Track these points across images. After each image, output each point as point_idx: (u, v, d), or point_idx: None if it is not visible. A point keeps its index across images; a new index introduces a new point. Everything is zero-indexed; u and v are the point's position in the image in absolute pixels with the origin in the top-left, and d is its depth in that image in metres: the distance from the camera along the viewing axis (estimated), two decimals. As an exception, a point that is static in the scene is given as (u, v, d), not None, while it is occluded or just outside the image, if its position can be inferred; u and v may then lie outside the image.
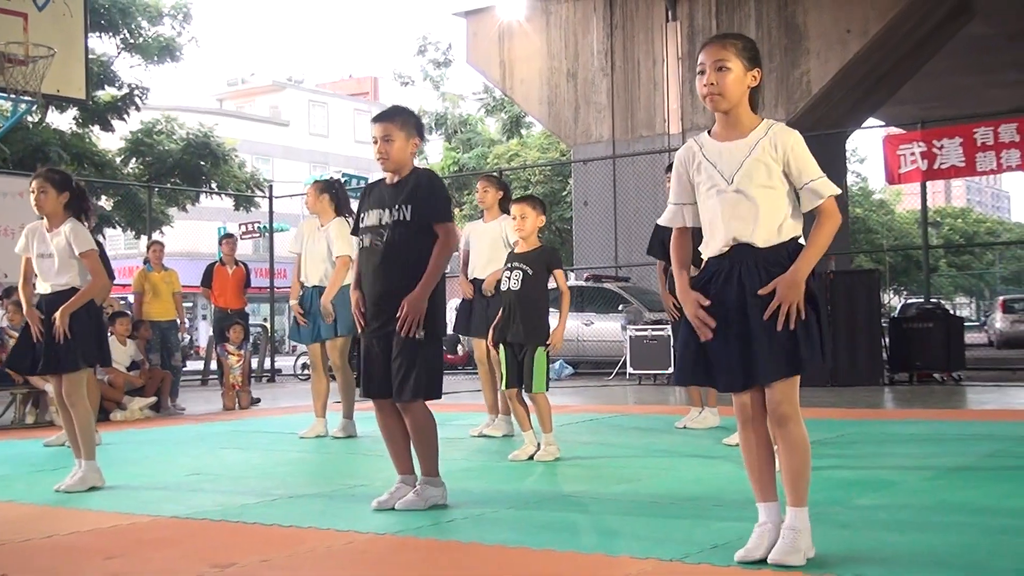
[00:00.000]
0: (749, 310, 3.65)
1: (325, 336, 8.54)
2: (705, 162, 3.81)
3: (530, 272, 6.78)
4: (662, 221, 3.95)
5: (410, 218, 5.00)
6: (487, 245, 8.14)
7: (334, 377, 8.78)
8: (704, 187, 3.81)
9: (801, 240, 3.78)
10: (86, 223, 6.20)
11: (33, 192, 6.10)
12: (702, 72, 3.77)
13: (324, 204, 8.59)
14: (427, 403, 5.06)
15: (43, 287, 6.11)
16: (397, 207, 5.02)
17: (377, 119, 5.14)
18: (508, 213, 7.74)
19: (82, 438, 6.01)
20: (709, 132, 3.90)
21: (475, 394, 8.63)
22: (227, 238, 13.93)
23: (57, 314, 5.90)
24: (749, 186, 3.70)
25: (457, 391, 14.39)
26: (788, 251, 3.72)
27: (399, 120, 5.12)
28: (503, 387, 7.14)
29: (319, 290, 8.51)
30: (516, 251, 6.95)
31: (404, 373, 4.94)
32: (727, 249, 3.74)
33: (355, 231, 5.32)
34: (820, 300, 3.75)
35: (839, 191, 3.75)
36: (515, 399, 6.98)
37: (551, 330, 6.89)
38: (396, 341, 4.97)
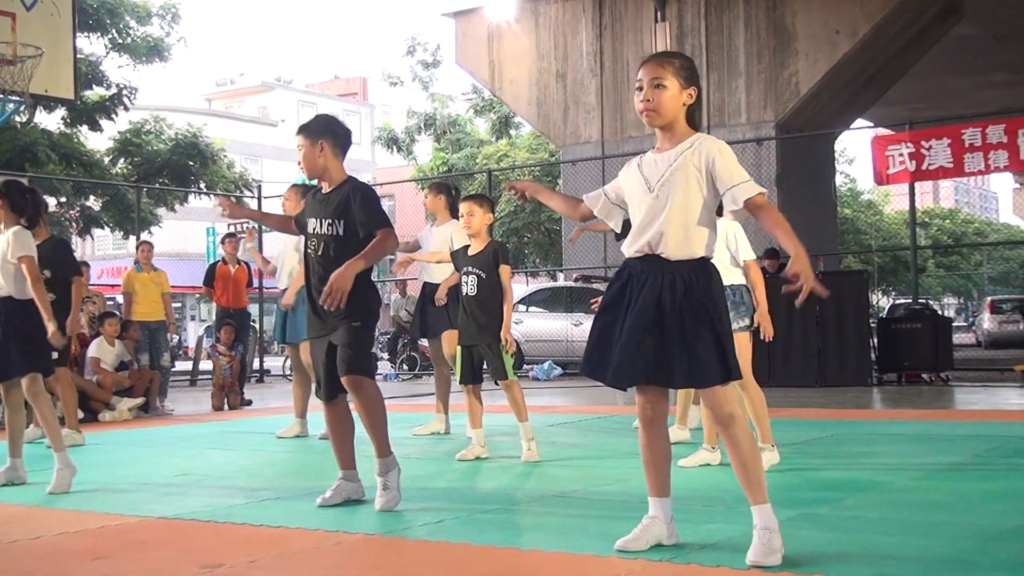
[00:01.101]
0: (672, 316, 3.79)
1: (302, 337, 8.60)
2: (637, 172, 3.99)
3: (483, 276, 6.86)
4: (585, 196, 4.24)
5: (343, 233, 5.10)
6: (435, 246, 8.27)
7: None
8: (630, 194, 4.00)
9: (709, 260, 3.90)
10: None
11: None
12: (640, 88, 3.92)
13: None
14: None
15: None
16: (330, 221, 5.13)
17: (298, 132, 5.27)
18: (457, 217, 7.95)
19: (49, 431, 6.07)
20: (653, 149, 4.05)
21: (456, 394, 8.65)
22: (230, 237, 13.91)
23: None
24: (667, 195, 3.85)
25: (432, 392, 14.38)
26: (698, 267, 3.85)
27: (304, 131, 5.23)
28: (458, 383, 7.19)
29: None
30: (468, 253, 6.98)
31: (345, 355, 5.06)
32: (641, 255, 3.91)
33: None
34: (724, 307, 3.90)
35: (764, 190, 3.82)
36: (472, 395, 7.06)
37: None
38: (338, 335, 5.10)
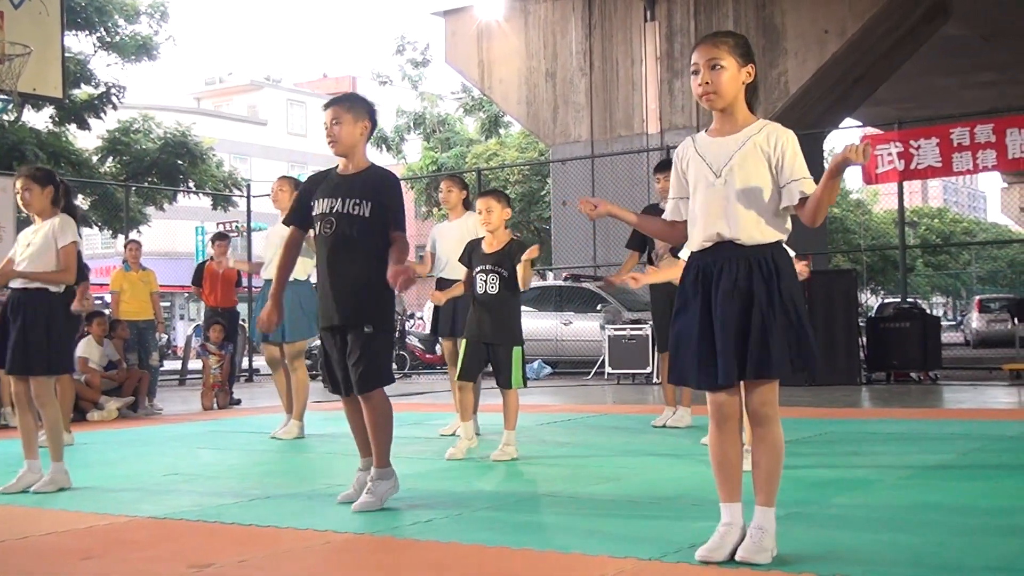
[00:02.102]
0: (750, 305, 3.66)
1: (290, 338, 8.57)
2: (696, 156, 3.84)
3: (506, 275, 6.78)
4: (666, 215, 3.98)
5: (369, 215, 5.03)
6: (454, 242, 8.00)
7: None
8: (693, 181, 3.84)
9: (784, 245, 3.80)
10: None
11: (18, 192, 6.08)
12: (696, 72, 3.77)
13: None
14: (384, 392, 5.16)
15: (15, 282, 6.04)
16: (355, 201, 5.04)
17: (327, 105, 5.18)
18: (471, 210, 7.96)
19: (51, 439, 5.96)
20: (707, 130, 3.92)
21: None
22: (219, 238, 13.90)
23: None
24: (736, 180, 3.72)
25: (435, 391, 14.39)
26: (772, 252, 3.73)
27: (346, 103, 5.16)
28: (456, 378, 7.09)
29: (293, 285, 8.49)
30: (486, 251, 6.86)
31: (359, 367, 5.02)
32: (710, 244, 3.76)
33: (295, 220, 5.33)
34: (800, 300, 3.76)
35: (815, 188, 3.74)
36: (467, 390, 6.97)
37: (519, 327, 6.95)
38: (350, 339, 5.05)
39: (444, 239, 8.33)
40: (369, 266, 5.01)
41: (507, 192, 29.73)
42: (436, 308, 8.42)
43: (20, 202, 6.11)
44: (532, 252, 6.79)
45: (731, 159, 3.74)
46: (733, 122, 3.81)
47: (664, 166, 7.97)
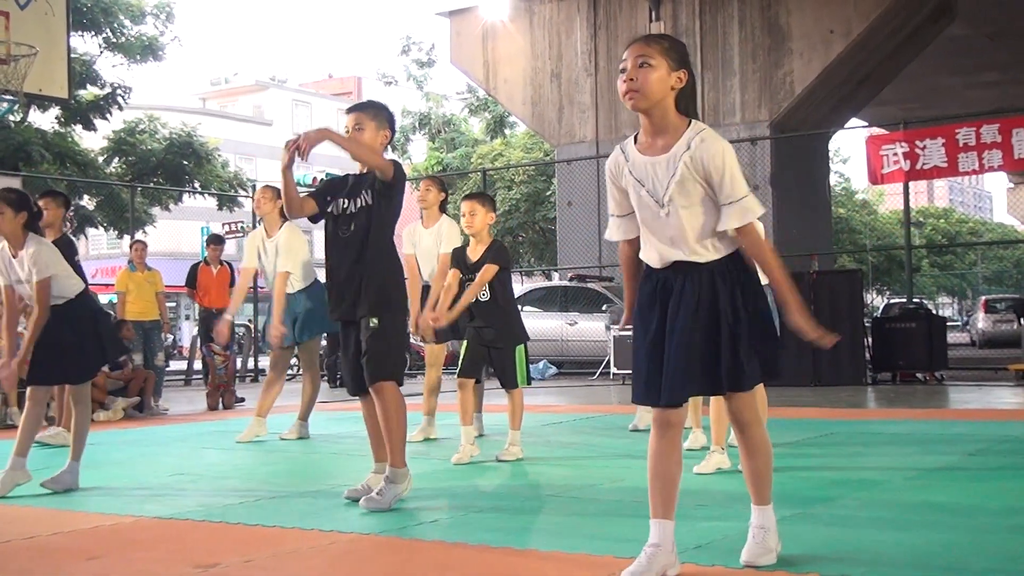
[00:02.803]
0: (713, 319, 3.55)
1: (300, 339, 8.58)
2: (633, 180, 3.65)
3: (491, 280, 6.73)
4: (607, 236, 3.82)
5: (371, 202, 5.12)
6: (432, 248, 7.97)
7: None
8: (636, 204, 3.67)
9: (741, 250, 3.66)
10: (66, 227, 6.16)
11: None
12: (623, 69, 3.57)
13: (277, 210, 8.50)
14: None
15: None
16: (361, 195, 5.14)
17: (350, 109, 5.26)
18: (446, 213, 8.06)
19: (76, 438, 6.03)
20: (636, 142, 3.70)
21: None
22: (215, 243, 13.90)
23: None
24: (679, 209, 3.56)
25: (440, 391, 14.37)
26: (731, 262, 3.62)
27: (371, 111, 5.24)
28: (457, 375, 6.98)
29: (298, 293, 8.50)
30: (472, 259, 6.77)
31: (367, 360, 5.08)
32: (667, 266, 3.63)
33: (313, 196, 5.31)
34: (764, 304, 3.69)
35: (762, 211, 3.60)
36: (467, 389, 6.86)
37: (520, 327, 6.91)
38: (362, 334, 5.12)
39: (421, 245, 8.13)
40: (375, 261, 5.10)
41: (512, 192, 29.52)
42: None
43: None
44: (484, 275, 6.68)
45: (668, 188, 3.56)
46: (662, 132, 3.60)
47: None
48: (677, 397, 3.56)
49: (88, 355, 6.05)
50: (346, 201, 5.17)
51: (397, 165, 5.21)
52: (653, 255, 3.66)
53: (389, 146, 5.35)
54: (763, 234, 3.71)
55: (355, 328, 5.19)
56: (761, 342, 3.60)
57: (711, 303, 3.56)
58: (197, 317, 14.42)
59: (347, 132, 5.19)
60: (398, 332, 5.24)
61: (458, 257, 6.89)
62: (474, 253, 6.80)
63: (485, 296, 6.75)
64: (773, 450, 3.81)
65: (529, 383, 6.89)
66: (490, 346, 6.81)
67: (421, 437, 8.01)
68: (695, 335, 3.54)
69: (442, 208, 8.18)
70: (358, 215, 5.13)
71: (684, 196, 3.56)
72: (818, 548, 3.90)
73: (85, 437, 6.09)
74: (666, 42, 3.60)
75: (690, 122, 3.62)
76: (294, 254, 8.37)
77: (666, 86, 3.55)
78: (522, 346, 6.86)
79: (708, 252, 3.59)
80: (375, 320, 5.07)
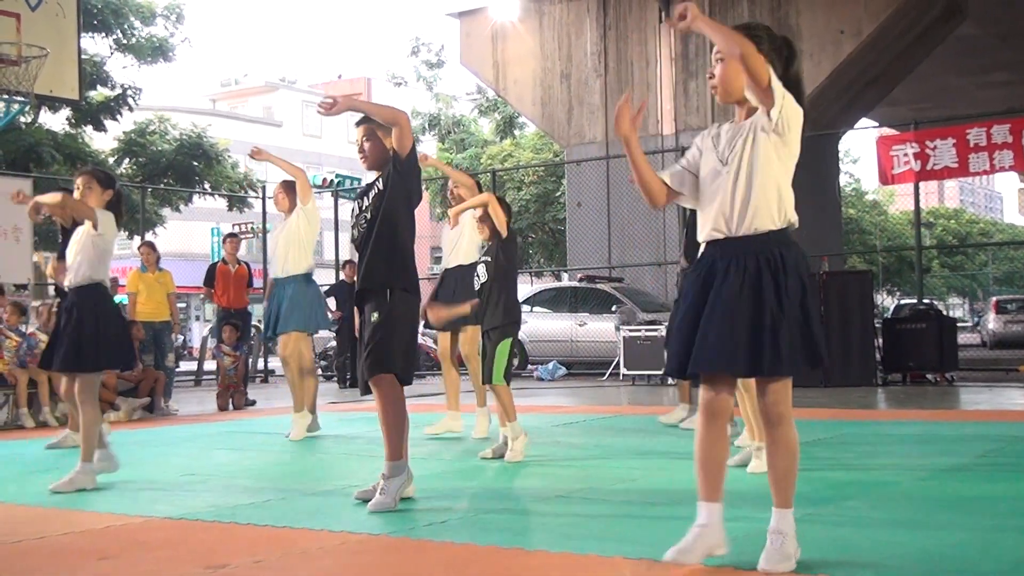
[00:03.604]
0: (752, 299, 3.58)
1: (280, 329, 8.65)
2: (710, 143, 3.79)
3: (491, 263, 6.86)
4: (664, 175, 3.90)
5: (382, 187, 5.21)
6: (453, 241, 8.27)
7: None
8: (706, 167, 3.78)
9: (790, 229, 3.71)
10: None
11: (78, 189, 6.19)
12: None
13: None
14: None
15: (66, 281, 6.21)
16: (371, 202, 5.23)
17: (359, 122, 5.34)
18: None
19: (85, 439, 6.03)
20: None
21: (468, 394, 8.63)
22: (231, 237, 13.90)
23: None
24: (738, 165, 3.66)
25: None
26: (779, 246, 3.65)
27: (381, 125, 5.29)
28: (481, 381, 7.24)
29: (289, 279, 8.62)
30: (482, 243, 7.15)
31: (368, 353, 5.15)
32: (718, 237, 3.69)
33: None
34: (814, 299, 3.72)
35: (800, 112, 3.68)
36: (501, 391, 6.93)
37: (510, 316, 6.90)
38: (365, 328, 5.22)
39: (444, 240, 8.53)
40: (393, 254, 5.17)
41: (522, 193, 29.59)
42: (439, 298, 8.47)
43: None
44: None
45: (734, 145, 3.69)
46: (745, 114, 3.75)
47: None
48: (715, 366, 3.61)
49: (104, 348, 6.08)
50: (363, 200, 5.28)
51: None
52: (707, 222, 3.73)
53: None
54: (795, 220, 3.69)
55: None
56: (798, 332, 3.60)
57: (756, 288, 3.59)
58: (213, 317, 14.42)
59: (357, 144, 5.32)
60: (402, 326, 5.23)
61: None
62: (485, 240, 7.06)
63: (484, 276, 6.88)
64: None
65: (507, 383, 6.84)
66: (487, 332, 6.88)
67: (443, 430, 8.21)
68: (737, 314, 3.58)
69: None
70: (369, 207, 5.23)
71: (746, 149, 3.64)
72: (828, 549, 3.89)
73: (94, 439, 6.10)
74: (742, 32, 3.63)
75: None
76: (294, 231, 8.54)
77: (742, 76, 3.60)
78: (508, 341, 6.83)
79: (755, 218, 3.62)
80: (376, 314, 5.15)
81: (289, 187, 8.79)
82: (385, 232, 5.17)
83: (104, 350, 6.08)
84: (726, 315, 3.58)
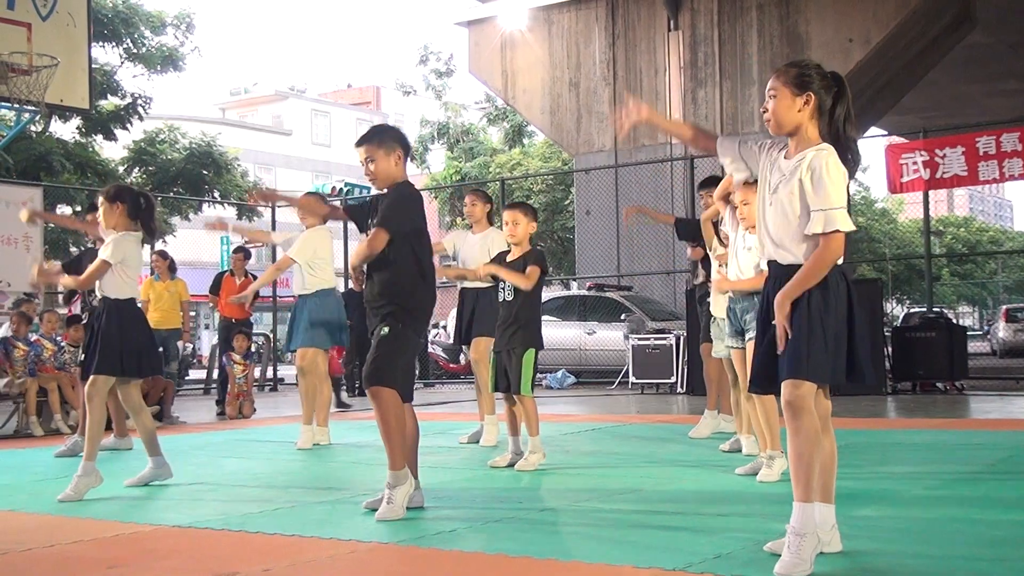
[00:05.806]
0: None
1: (292, 346, 8.77)
2: (768, 165, 4.00)
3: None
4: (731, 138, 4.21)
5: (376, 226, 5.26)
6: (477, 254, 8.15)
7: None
8: (761, 188, 4.02)
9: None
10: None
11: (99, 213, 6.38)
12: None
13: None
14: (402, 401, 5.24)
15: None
16: (384, 194, 5.34)
17: (359, 143, 5.36)
18: (493, 225, 8.28)
19: (89, 438, 6.12)
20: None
21: (474, 403, 8.64)
22: (239, 252, 13.95)
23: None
24: (778, 202, 3.90)
25: (459, 400, 14.40)
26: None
27: (376, 139, 5.33)
28: (490, 389, 7.28)
29: (309, 296, 8.63)
30: (507, 259, 6.95)
31: (369, 368, 5.19)
32: (769, 260, 4.00)
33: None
34: (815, 315, 3.82)
35: (850, 228, 3.83)
36: (506, 401, 7.07)
37: (539, 334, 6.93)
38: (373, 341, 5.29)
39: (467, 248, 8.41)
40: (390, 274, 5.20)
41: (531, 202, 29.65)
42: (459, 317, 8.47)
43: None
44: (532, 276, 6.79)
45: (779, 183, 3.92)
46: (798, 148, 3.92)
47: (709, 183, 7.61)
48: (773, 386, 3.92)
49: (103, 355, 6.15)
50: (371, 215, 5.32)
51: (404, 185, 5.34)
52: (762, 246, 4.05)
53: (407, 159, 5.43)
54: (839, 255, 3.88)
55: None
56: (798, 345, 3.80)
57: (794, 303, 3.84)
58: (217, 326, 14.48)
59: (363, 165, 5.33)
60: (407, 344, 5.29)
61: (498, 261, 7.03)
62: (512, 257, 6.94)
63: (511, 295, 6.85)
64: (786, 457, 3.80)
65: (531, 393, 6.85)
66: (501, 350, 6.88)
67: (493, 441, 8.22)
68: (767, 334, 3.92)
69: (490, 219, 8.46)
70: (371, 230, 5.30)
71: (784, 194, 3.88)
72: (839, 559, 3.88)
73: (98, 439, 6.20)
74: (793, 70, 3.95)
75: (821, 143, 3.90)
76: (307, 247, 8.51)
77: (792, 111, 3.90)
78: (533, 352, 6.83)
79: (786, 255, 3.89)
80: (386, 329, 5.18)
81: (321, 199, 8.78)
82: (393, 260, 5.20)
83: (105, 354, 6.15)
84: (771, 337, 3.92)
